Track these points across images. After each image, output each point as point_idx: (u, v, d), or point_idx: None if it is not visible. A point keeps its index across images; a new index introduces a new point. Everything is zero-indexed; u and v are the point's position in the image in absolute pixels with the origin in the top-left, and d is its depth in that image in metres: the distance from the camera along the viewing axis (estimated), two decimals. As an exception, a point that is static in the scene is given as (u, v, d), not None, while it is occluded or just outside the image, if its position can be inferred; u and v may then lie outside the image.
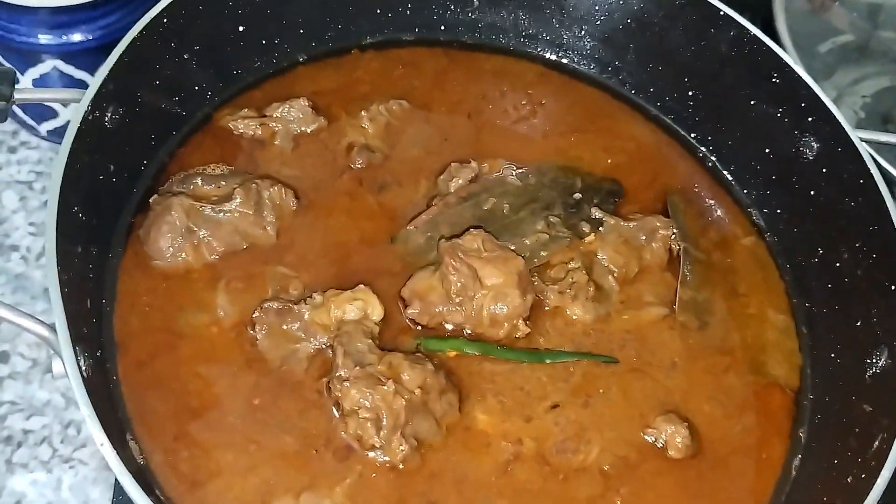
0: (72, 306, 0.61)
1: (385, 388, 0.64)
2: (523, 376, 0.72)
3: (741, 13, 0.83)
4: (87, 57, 0.90)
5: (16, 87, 0.67)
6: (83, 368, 0.59)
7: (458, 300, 0.71)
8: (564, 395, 0.72)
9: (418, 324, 0.72)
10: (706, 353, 0.76)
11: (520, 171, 0.83)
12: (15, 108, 0.94)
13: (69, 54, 0.89)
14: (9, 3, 0.84)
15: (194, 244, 0.73)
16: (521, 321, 0.72)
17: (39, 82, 0.92)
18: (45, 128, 0.96)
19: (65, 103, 0.90)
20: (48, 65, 0.90)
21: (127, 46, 0.70)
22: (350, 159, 0.82)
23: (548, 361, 0.72)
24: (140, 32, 0.71)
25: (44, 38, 0.88)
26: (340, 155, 0.83)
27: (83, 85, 0.92)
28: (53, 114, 0.94)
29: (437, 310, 0.71)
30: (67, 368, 0.55)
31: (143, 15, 0.89)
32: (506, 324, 0.71)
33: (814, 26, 1.18)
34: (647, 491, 0.69)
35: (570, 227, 0.80)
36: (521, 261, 0.72)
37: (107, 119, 0.69)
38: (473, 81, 0.91)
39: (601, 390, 0.73)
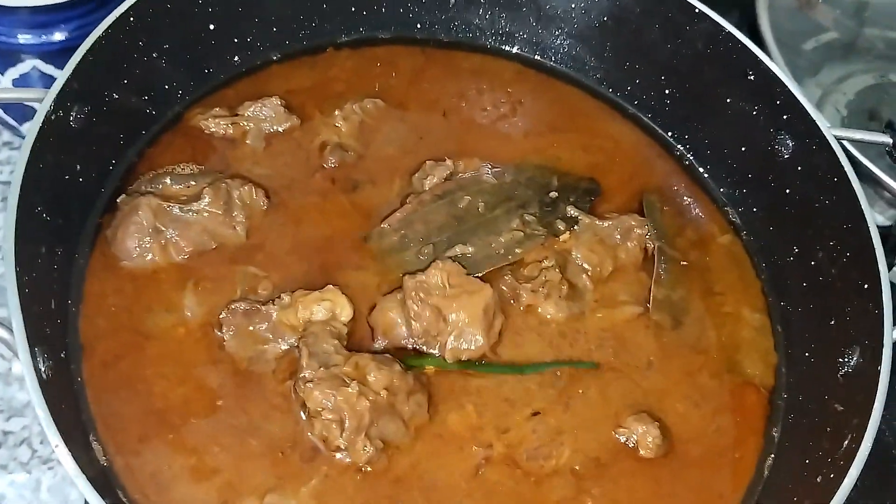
0: (34, 307, 0.61)
1: (349, 389, 0.63)
2: (510, 387, 0.71)
3: (724, 10, 0.83)
4: (67, 56, 0.88)
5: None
6: (42, 370, 0.58)
7: (421, 340, 0.70)
8: (548, 402, 0.71)
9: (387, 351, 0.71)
10: (681, 352, 0.76)
11: (496, 169, 0.82)
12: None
13: (49, 54, 0.89)
14: None
15: (162, 244, 0.73)
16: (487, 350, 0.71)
17: (20, 82, 0.91)
18: (27, 128, 0.96)
19: (28, 102, 0.89)
20: (28, 64, 0.89)
21: (92, 45, 0.69)
22: (323, 158, 0.82)
23: (528, 373, 0.72)
24: (106, 31, 0.70)
25: (23, 38, 0.87)
26: (313, 154, 0.82)
27: None
28: (34, 114, 0.94)
29: (403, 342, 0.71)
30: (24, 370, 0.55)
31: None
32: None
33: (799, 24, 1.18)
34: (619, 491, 0.68)
35: (546, 226, 0.79)
36: (489, 291, 0.71)
37: (72, 118, 0.69)
38: (450, 80, 0.91)
39: (581, 391, 0.72)
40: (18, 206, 0.61)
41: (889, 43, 1.21)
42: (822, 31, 1.20)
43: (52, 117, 0.66)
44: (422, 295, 0.69)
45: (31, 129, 0.64)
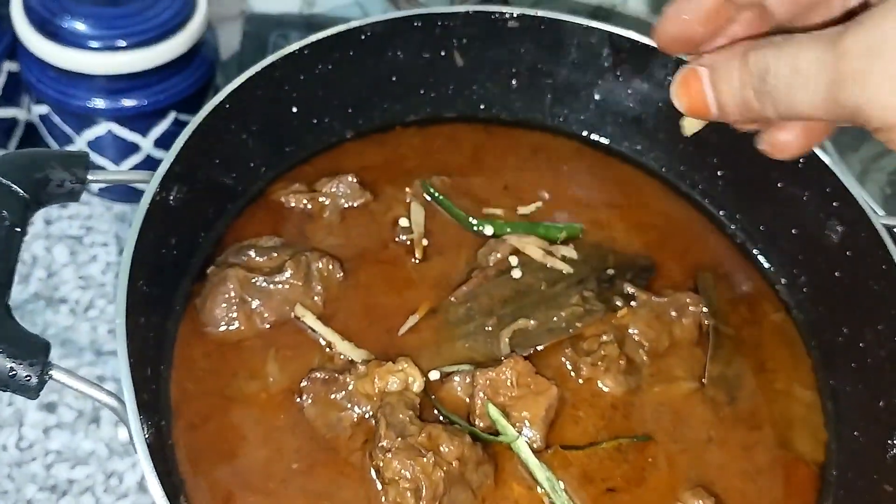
0: (136, 374, 0.66)
1: (425, 459, 0.67)
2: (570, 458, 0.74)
3: None
4: (140, 120, 0.96)
5: (88, 170, 0.72)
6: (147, 437, 0.63)
7: (482, 427, 0.74)
8: (618, 479, 0.73)
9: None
10: (736, 427, 0.78)
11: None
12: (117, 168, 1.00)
13: (123, 118, 0.95)
14: (67, 70, 0.91)
15: (247, 313, 0.77)
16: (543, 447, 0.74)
17: (94, 144, 0.98)
18: (97, 185, 1.01)
19: (130, 183, 0.95)
20: (103, 128, 0.96)
21: (193, 131, 0.75)
22: (395, 232, 0.86)
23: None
24: (204, 118, 0.76)
25: (99, 104, 0.93)
26: (385, 228, 0.86)
27: (135, 147, 0.98)
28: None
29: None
30: (135, 439, 0.60)
31: (195, 81, 0.96)
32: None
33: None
34: (678, 566, 0.71)
35: (604, 301, 0.83)
36: (553, 392, 0.74)
37: (171, 198, 0.74)
38: (511, 156, 0.95)
39: (650, 459, 0.75)
40: (129, 283, 0.66)
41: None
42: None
43: (158, 198, 0.71)
44: (489, 392, 0.73)
45: (139, 209, 0.69)
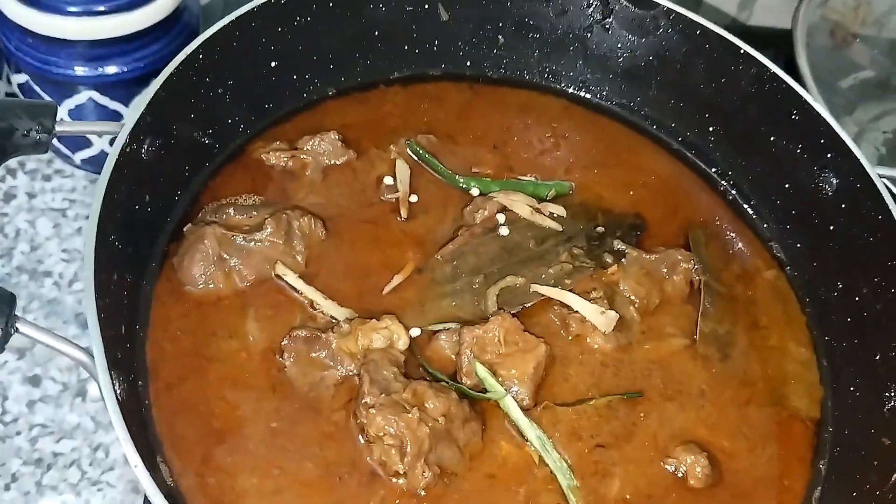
0: (107, 332, 0.63)
1: (409, 415, 0.65)
2: (557, 417, 0.72)
3: (763, 49, 0.85)
4: (122, 88, 0.93)
5: (56, 119, 0.69)
6: (118, 392, 0.60)
7: (470, 384, 0.72)
8: (607, 436, 0.72)
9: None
10: (728, 384, 0.77)
11: (543, 204, 0.84)
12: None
13: (104, 86, 0.92)
14: (47, 37, 0.88)
15: (226, 272, 0.75)
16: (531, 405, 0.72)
17: (75, 113, 0.95)
18: (79, 157, 0.99)
19: (100, 134, 0.93)
20: (84, 96, 0.93)
21: (164, 81, 0.72)
22: (379, 191, 0.84)
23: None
24: (176, 68, 0.73)
25: (80, 71, 0.90)
26: (370, 187, 0.85)
27: (117, 115, 0.95)
28: (88, 143, 0.97)
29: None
30: (104, 393, 0.57)
31: (176, 48, 0.91)
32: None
33: (835, 62, 1.19)
34: (669, 521, 0.69)
35: (594, 259, 0.81)
36: (542, 350, 0.73)
37: (143, 151, 0.72)
38: (498, 115, 0.93)
39: (642, 414, 0.73)
40: (96, 237, 0.64)
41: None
42: (858, 69, 1.21)
43: (128, 150, 0.69)
44: (476, 350, 0.71)
45: (108, 158, 0.67)
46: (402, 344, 0.72)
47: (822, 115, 0.80)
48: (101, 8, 0.87)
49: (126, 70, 0.91)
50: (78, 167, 1.02)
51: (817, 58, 1.08)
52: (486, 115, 0.93)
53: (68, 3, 0.86)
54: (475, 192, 0.85)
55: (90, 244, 0.63)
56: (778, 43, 1.07)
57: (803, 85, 1.01)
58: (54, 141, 0.95)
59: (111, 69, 0.91)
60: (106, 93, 0.93)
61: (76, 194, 1.00)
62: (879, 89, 1.21)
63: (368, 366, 0.69)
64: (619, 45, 0.92)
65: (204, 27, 0.81)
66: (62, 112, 0.95)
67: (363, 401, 0.67)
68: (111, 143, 0.70)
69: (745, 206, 0.89)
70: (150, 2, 0.88)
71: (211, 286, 0.75)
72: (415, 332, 0.74)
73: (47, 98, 0.94)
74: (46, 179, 1.00)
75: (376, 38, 0.90)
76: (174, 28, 0.94)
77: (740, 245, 0.87)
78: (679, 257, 0.82)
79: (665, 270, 0.81)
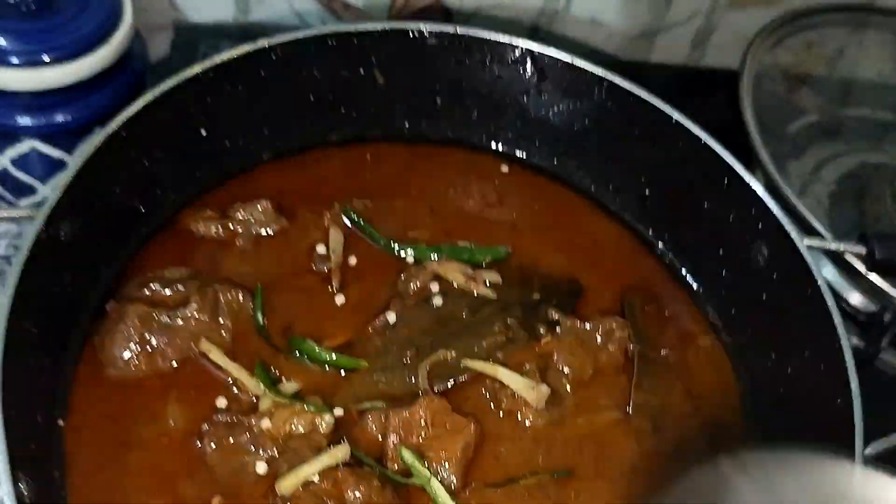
0: (20, 427, 0.62)
1: (326, 509, 0.64)
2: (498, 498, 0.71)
3: (714, 92, 0.84)
4: (66, 137, 0.91)
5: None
6: (26, 495, 0.59)
7: (395, 470, 0.71)
8: None
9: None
10: (661, 457, 0.76)
11: (478, 272, 0.83)
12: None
13: (48, 135, 0.90)
14: None
15: (149, 352, 0.74)
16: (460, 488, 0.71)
17: (19, 162, 0.93)
18: (24, 203, 0.96)
19: (17, 220, 0.90)
20: (27, 145, 0.91)
21: (83, 163, 0.71)
22: (312, 260, 0.83)
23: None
24: (97, 148, 0.72)
25: (22, 120, 0.89)
26: (301, 255, 0.83)
27: (62, 164, 0.92)
28: (32, 191, 0.95)
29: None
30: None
31: (123, 94, 0.89)
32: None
33: (785, 105, 1.19)
34: None
35: (528, 329, 0.80)
36: (469, 431, 0.72)
37: (62, 234, 0.70)
38: (437, 177, 0.92)
39: (572, 493, 0.72)
40: (7, 330, 0.62)
41: (871, 124, 1.23)
42: (808, 112, 1.21)
43: (43, 237, 0.67)
44: (402, 433, 0.70)
45: (19, 252, 0.65)
46: (325, 427, 0.70)
47: (753, 185, 0.80)
48: (45, 58, 0.85)
49: (70, 119, 0.89)
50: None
51: (766, 101, 1.08)
52: (424, 177, 0.92)
53: (11, 53, 0.85)
54: (410, 259, 0.84)
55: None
56: (731, 84, 1.07)
57: (746, 132, 1.01)
58: (-2, 188, 0.95)
59: (55, 118, 0.89)
60: (50, 142, 0.91)
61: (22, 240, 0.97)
62: (828, 133, 1.21)
63: (287, 454, 0.68)
64: (555, 109, 0.91)
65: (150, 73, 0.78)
66: (4, 161, 0.93)
67: (280, 493, 0.65)
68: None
69: (682, 269, 0.89)
70: (94, 50, 0.87)
71: (132, 368, 0.73)
72: (338, 411, 0.73)
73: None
74: None
75: (312, 102, 0.89)
76: (120, 75, 0.92)
77: (677, 309, 0.86)
78: (613, 325, 0.81)
79: (600, 339, 0.81)
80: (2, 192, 0.96)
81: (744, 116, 1.05)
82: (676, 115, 0.83)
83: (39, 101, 0.88)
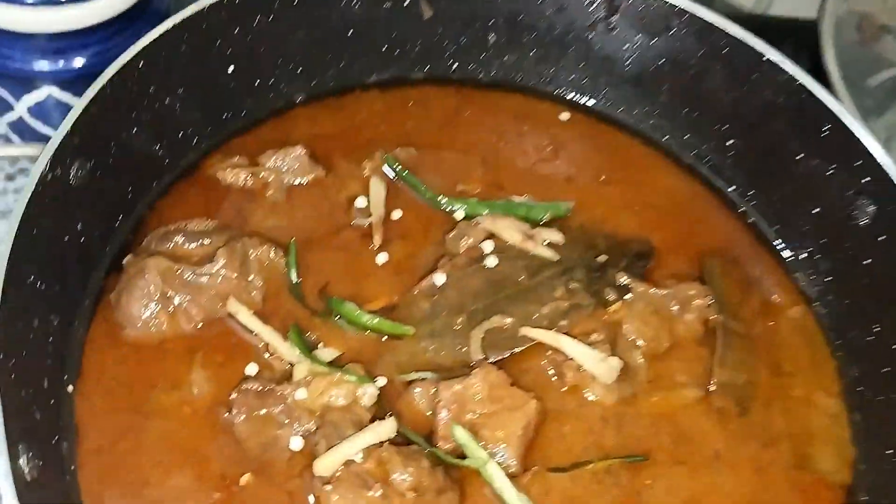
0: (21, 392, 0.55)
1: (371, 493, 0.56)
2: (561, 483, 0.64)
3: (781, 43, 0.75)
4: (85, 84, 0.86)
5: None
6: (26, 472, 0.52)
7: (447, 449, 0.63)
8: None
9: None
10: (747, 443, 0.68)
11: (537, 230, 0.76)
12: (11, 133, 0.93)
13: (66, 81, 0.87)
14: (3, 29, 0.82)
15: (170, 312, 0.67)
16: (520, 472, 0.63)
17: (36, 110, 0.90)
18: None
19: (19, 159, 0.87)
20: (44, 92, 0.88)
21: (95, 95, 0.64)
22: (350, 215, 0.76)
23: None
24: (111, 79, 0.65)
25: (39, 65, 0.85)
26: (339, 209, 0.76)
27: None
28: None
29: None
30: (1, 480, 0.48)
31: None
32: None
33: (864, 58, 1.10)
34: None
35: (594, 295, 0.73)
36: (531, 408, 0.64)
37: (71, 176, 0.63)
38: (488, 124, 0.85)
39: (648, 481, 0.65)
40: (6, 282, 0.54)
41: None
42: (888, 65, 1.11)
43: (49, 178, 0.60)
44: (455, 410, 0.62)
45: (22, 193, 0.57)
46: (368, 399, 0.63)
47: (858, 133, 0.70)
48: (62, -3, 0.81)
49: (89, 64, 0.86)
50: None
51: (844, 54, 0.98)
52: (474, 125, 0.84)
53: (27, -9, 0.81)
54: (460, 215, 0.77)
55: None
56: (799, 36, 0.97)
57: (830, 86, 0.92)
58: (15, 138, 0.92)
59: (73, 63, 0.86)
60: (68, 88, 0.88)
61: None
62: (914, 87, 1.11)
63: (326, 429, 0.61)
64: (626, 47, 0.82)
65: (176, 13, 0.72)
66: (21, 109, 0.90)
67: (319, 474, 0.58)
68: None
69: (768, 231, 0.80)
70: (113, -11, 0.83)
71: (153, 328, 0.67)
72: (381, 381, 0.66)
73: (5, 93, 0.89)
74: (10, 179, 0.94)
75: (351, 38, 0.81)
76: (142, 17, 0.88)
77: (762, 277, 0.78)
78: (692, 292, 0.73)
79: (676, 308, 0.73)
80: (18, 143, 0.94)
81: (826, 66, 0.96)
82: (771, 53, 0.73)
83: (57, 44, 0.85)
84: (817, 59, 0.95)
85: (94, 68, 0.83)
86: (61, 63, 0.85)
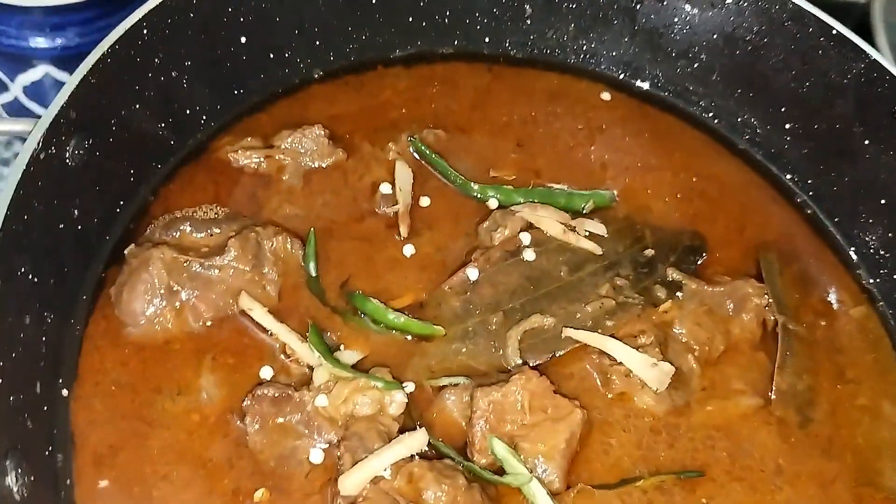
0: (10, 397, 0.50)
1: (402, 515, 0.51)
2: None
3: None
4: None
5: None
6: (15, 490, 0.47)
7: (483, 464, 0.58)
8: None
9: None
10: (810, 457, 0.64)
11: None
12: (5, 115, 0.90)
13: (63, 59, 0.83)
14: None
15: (177, 308, 0.63)
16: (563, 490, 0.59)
17: (31, 90, 0.87)
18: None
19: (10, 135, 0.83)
20: (40, 70, 0.85)
21: (92, 66, 0.59)
22: (374, 202, 0.71)
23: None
24: (111, 48, 0.60)
25: (35, 42, 0.83)
26: (362, 195, 0.72)
27: None
28: None
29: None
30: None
31: None
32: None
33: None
34: None
35: (642, 292, 0.68)
36: (577, 418, 0.59)
37: (67, 155, 0.59)
38: (523, 104, 0.80)
39: (703, 500, 0.61)
40: (-4, 273, 0.49)
41: None
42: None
43: (42, 156, 0.55)
44: (493, 420, 0.57)
45: (12, 172, 0.52)
46: (395, 409, 0.59)
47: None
48: (59, -31, 0.78)
49: (87, 41, 0.82)
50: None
51: (893, 35, 0.96)
52: (507, 105, 0.80)
53: (21, -36, 0.78)
54: (493, 203, 0.73)
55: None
56: (850, 16, 0.95)
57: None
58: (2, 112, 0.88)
59: (70, 40, 0.82)
60: (65, 68, 0.85)
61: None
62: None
63: (350, 441, 0.56)
64: (675, 20, 0.78)
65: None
66: (16, 89, 0.87)
67: (343, 493, 0.52)
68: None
69: (828, 223, 0.76)
70: (115, -39, 0.79)
71: (157, 326, 0.63)
72: (410, 387, 0.61)
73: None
74: (4, 164, 0.92)
75: (373, 7, 0.77)
76: None
77: (820, 274, 0.73)
78: (749, 290, 0.68)
79: (731, 307, 0.68)
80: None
81: (877, 44, 0.93)
82: (839, 27, 0.68)
83: (53, 19, 0.82)
84: (869, 39, 0.92)
85: (93, 46, 0.81)
86: (58, 40, 0.82)
